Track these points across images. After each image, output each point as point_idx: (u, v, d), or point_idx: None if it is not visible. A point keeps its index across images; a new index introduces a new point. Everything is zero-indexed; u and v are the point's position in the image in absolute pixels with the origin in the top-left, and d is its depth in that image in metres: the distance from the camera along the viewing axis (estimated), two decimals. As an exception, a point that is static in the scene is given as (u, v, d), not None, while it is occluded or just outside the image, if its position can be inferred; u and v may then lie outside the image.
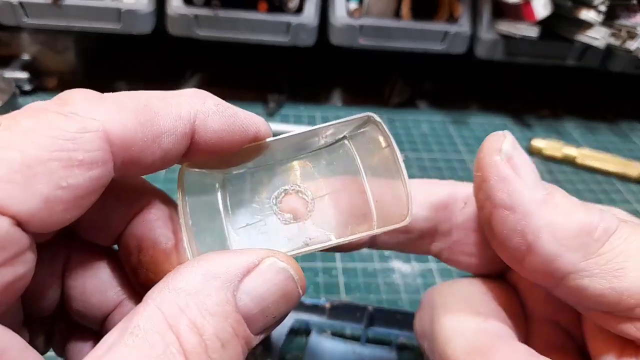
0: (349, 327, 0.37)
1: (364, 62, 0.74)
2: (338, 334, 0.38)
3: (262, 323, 0.18)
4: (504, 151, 0.20)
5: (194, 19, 0.57)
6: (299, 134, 0.22)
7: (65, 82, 0.66)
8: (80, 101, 0.17)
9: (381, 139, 0.22)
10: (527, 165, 0.20)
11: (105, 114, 0.17)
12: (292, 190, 0.24)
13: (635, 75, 0.66)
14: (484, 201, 0.20)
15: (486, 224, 0.21)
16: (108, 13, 0.56)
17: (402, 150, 0.61)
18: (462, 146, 0.63)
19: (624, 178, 0.59)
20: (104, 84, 0.66)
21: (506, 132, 0.21)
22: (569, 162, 0.61)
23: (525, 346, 0.19)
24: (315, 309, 0.37)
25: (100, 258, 0.22)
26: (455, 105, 0.71)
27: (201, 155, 0.20)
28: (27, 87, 0.62)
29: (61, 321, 0.23)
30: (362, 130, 0.24)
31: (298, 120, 0.64)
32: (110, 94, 0.18)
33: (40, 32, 0.63)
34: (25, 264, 0.16)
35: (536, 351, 0.19)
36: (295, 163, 0.24)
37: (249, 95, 0.67)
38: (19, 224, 0.15)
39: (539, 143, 0.62)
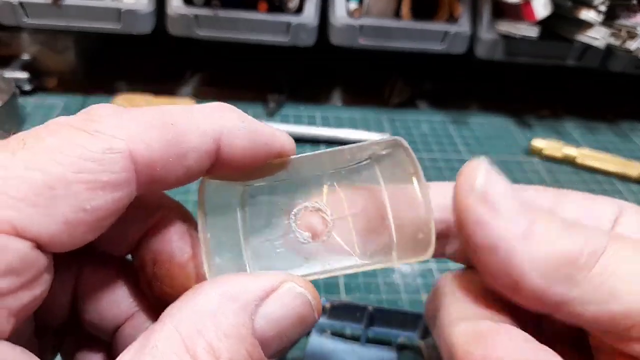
0: (349, 327, 0.37)
1: (364, 62, 0.74)
2: (338, 334, 0.38)
3: (277, 346, 0.18)
4: (477, 188, 0.19)
5: (194, 19, 0.57)
6: (324, 152, 0.22)
7: (65, 82, 0.66)
8: (106, 118, 0.17)
9: (408, 165, 0.22)
10: (504, 195, 0.19)
11: (131, 133, 0.17)
12: (313, 208, 0.23)
13: (635, 75, 0.66)
14: (466, 243, 0.20)
15: (473, 262, 0.20)
16: (108, 13, 0.56)
17: (402, 150, 0.61)
18: (462, 146, 0.63)
19: (624, 178, 0.59)
20: (103, 84, 0.66)
21: (480, 161, 0.19)
22: (569, 162, 0.61)
23: (525, 333, 0.19)
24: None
25: (113, 269, 0.22)
26: (456, 105, 0.71)
27: (224, 170, 0.20)
28: (27, 87, 0.62)
29: (71, 331, 0.23)
30: (389, 154, 0.23)
31: (298, 120, 0.64)
32: (137, 109, 0.18)
33: (40, 32, 0.63)
34: (43, 285, 0.16)
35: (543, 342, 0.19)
36: (318, 181, 0.24)
37: (248, 95, 0.67)
38: (39, 246, 0.15)
39: (539, 143, 0.62)
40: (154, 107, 0.19)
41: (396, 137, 0.23)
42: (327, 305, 0.37)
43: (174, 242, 0.21)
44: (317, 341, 0.37)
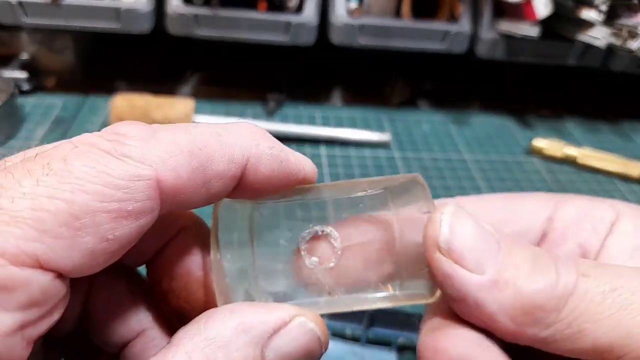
0: (349, 328, 0.37)
1: (364, 61, 0.73)
2: (338, 335, 0.37)
3: None
4: (442, 242, 0.19)
5: (194, 19, 0.57)
6: (342, 182, 0.23)
7: (64, 82, 0.66)
8: (134, 140, 0.17)
9: (423, 203, 0.22)
10: (469, 244, 0.19)
11: (158, 159, 0.17)
12: (322, 233, 0.23)
13: (636, 75, 0.66)
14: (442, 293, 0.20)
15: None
16: (107, 12, 0.56)
17: (403, 150, 0.61)
18: (462, 146, 0.63)
19: (625, 178, 0.59)
20: (103, 84, 0.66)
21: (443, 211, 0.19)
22: (570, 162, 0.61)
23: (479, 335, 0.19)
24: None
25: (125, 281, 0.22)
26: (456, 104, 0.71)
27: (245, 195, 0.20)
28: (26, 87, 0.62)
29: (78, 342, 0.23)
30: (405, 189, 0.23)
31: (298, 120, 0.64)
32: (166, 129, 0.18)
33: (39, 31, 0.63)
34: (60, 310, 0.16)
35: None
36: (330, 206, 0.24)
37: (248, 95, 0.67)
38: (60, 275, 0.15)
39: (539, 143, 0.62)
40: (183, 127, 0.18)
41: (415, 174, 0.23)
42: None
43: (191, 255, 0.21)
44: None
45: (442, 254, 0.19)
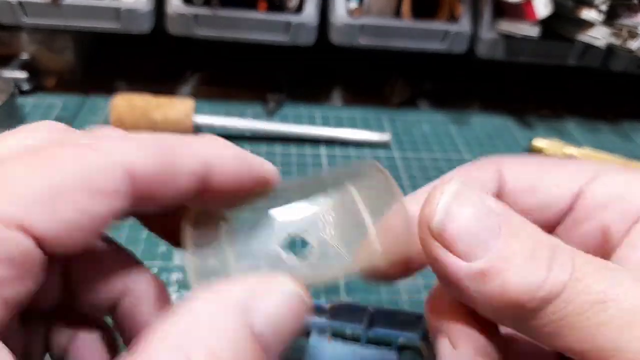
0: (350, 328, 0.37)
1: (364, 61, 0.73)
2: (338, 335, 0.37)
3: (275, 347, 0.17)
4: (435, 223, 0.18)
5: (193, 19, 0.57)
6: (305, 178, 0.24)
7: (64, 82, 0.66)
8: (109, 138, 0.20)
9: (384, 184, 0.23)
10: (464, 228, 0.18)
11: (130, 152, 0.19)
12: (296, 233, 0.24)
13: (636, 75, 0.66)
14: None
15: None
16: (107, 12, 0.56)
17: (403, 150, 0.61)
18: (463, 146, 0.63)
19: (625, 178, 0.59)
20: (103, 84, 0.66)
21: (446, 187, 0.19)
22: (570, 162, 0.61)
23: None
24: (315, 310, 0.37)
25: (103, 242, 0.23)
26: (456, 104, 0.71)
27: (210, 196, 0.21)
28: (26, 87, 0.62)
29: (62, 314, 0.23)
30: (366, 177, 0.24)
31: (298, 120, 0.64)
32: (137, 134, 0.20)
33: (39, 31, 0.63)
34: (35, 282, 0.17)
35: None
36: (299, 205, 0.24)
37: (248, 95, 0.67)
38: (40, 245, 0.16)
39: (540, 143, 0.61)
40: (152, 134, 0.21)
41: (371, 161, 0.23)
42: (328, 306, 0.36)
43: (147, 308, 0.23)
44: (317, 342, 0.36)
45: (434, 237, 0.18)
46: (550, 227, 0.23)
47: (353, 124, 0.64)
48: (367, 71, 0.76)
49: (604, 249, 0.21)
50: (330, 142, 0.60)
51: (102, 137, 0.20)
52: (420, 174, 0.57)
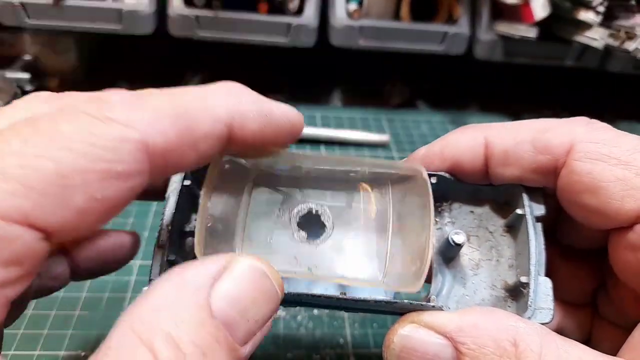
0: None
1: (363, 62, 0.74)
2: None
3: (244, 328, 0.17)
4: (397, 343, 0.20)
5: (195, 20, 0.57)
6: (344, 156, 0.22)
7: (66, 83, 0.66)
8: (119, 105, 0.17)
9: (422, 198, 0.22)
10: None
11: (144, 122, 0.17)
12: (316, 210, 0.23)
13: (633, 76, 0.67)
14: None
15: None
16: (109, 14, 0.56)
17: (401, 150, 0.61)
18: (461, 146, 0.63)
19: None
20: (105, 85, 0.66)
21: (400, 329, 0.20)
22: (567, 162, 0.61)
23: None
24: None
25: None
26: (455, 105, 0.72)
27: (235, 149, 0.20)
28: (29, 88, 0.62)
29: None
30: (406, 180, 0.23)
31: (298, 121, 0.64)
32: (150, 95, 0.18)
33: (42, 32, 0.63)
34: (34, 275, 0.16)
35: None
36: (331, 185, 0.23)
37: (249, 96, 0.67)
38: (47, 236, 0.15)
39: (537, 143, 0.62)
40: (167, 92, 0.18)
41: (420, 168, 0.22)
42: None
43: None
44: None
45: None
46: (550, 170, 0.24)
47: (353, 125, 0.65)
48: (367, 72, 0.76)
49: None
50: (330, 142, 0.61)
51: (111, 103, 0.17)
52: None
